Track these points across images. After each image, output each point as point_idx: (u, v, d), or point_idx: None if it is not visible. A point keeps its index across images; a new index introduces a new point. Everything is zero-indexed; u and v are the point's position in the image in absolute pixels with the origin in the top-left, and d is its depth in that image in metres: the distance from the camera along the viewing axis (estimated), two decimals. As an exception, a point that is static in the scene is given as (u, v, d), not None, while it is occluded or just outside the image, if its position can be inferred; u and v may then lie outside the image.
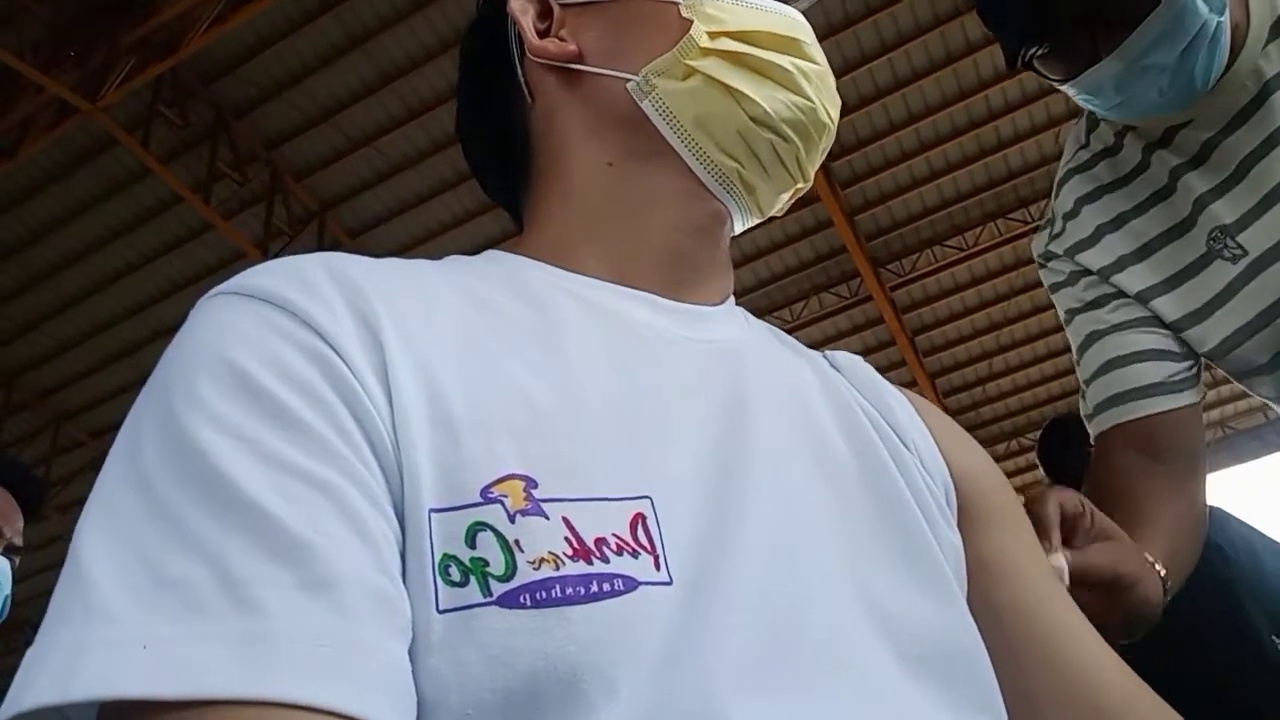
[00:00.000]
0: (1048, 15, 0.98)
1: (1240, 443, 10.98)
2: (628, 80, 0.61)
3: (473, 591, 0.41)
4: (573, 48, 0.64)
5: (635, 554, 0.44)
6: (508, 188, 0.70)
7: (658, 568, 0.45)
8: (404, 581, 0.41)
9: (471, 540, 0.42)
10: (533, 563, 0.42)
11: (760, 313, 0.70)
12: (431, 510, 0.42)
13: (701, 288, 0.63)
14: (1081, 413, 1.19)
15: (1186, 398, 1.10)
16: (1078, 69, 0.99)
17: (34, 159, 6.84)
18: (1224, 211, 1.05)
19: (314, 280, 0.48)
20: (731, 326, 0.64)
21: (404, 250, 7.80)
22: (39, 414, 9.00)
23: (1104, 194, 1.16)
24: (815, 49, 0.64)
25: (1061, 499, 0.85)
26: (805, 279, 8.79)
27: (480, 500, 0.43)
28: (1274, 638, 1.74)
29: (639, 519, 0.46)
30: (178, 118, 6.88)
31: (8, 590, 1.55)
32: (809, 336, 8.80)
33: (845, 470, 0.58)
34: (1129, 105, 1.01)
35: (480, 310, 0.53)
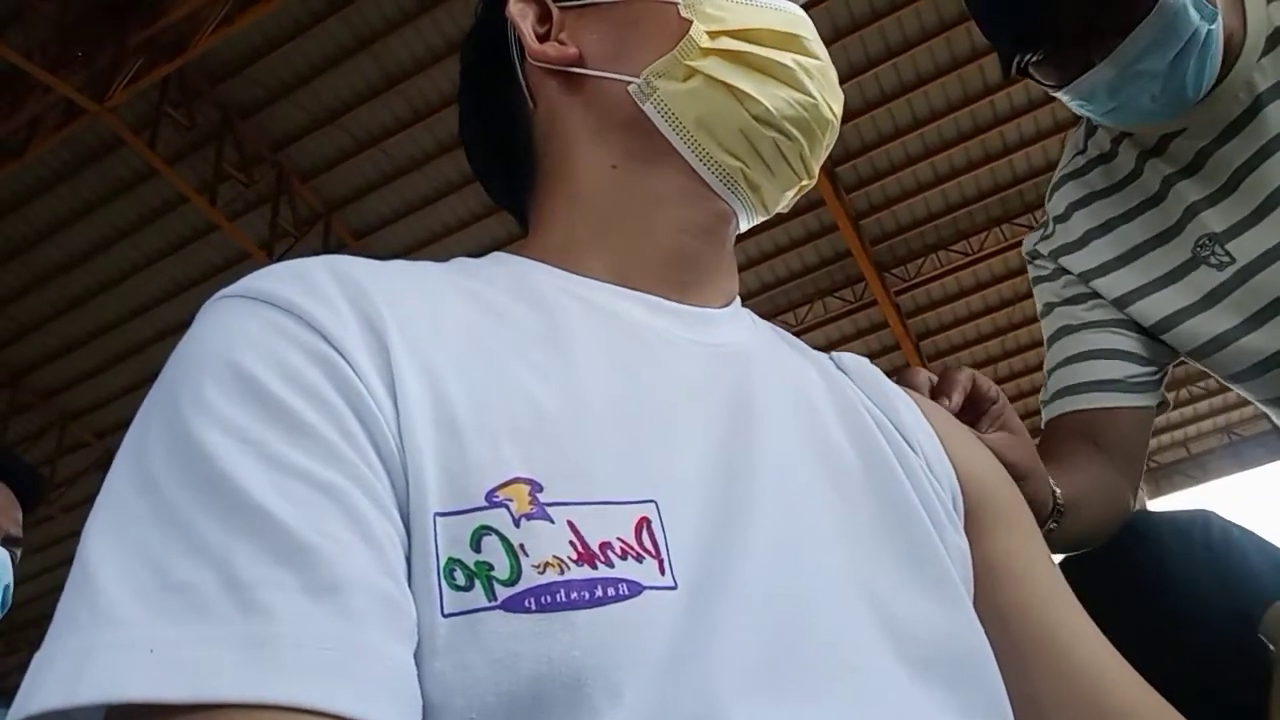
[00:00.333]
0: (1042, 23, 0.99)
1: (1245, 449, 10.95)
2: (629, 83, 0.61)
3: (477, 595, 0.41)
4: (573, 51, 0.63)
5: (640, 558, 0.44)
6: (512, 191, 0.70)
7: (662, 572, 0.45)
8: (409, 585, 0.41)
9: (476, 544, 0.42)
10: (537, 567, 0.42)
11: (764, 317, 0.70)
12: (436, 514, 0.42)
13: (707, 289, 0.63)
14: (1039, 399, 1.22)
15: (1140, 400, 1.14)
16: (1071, 75, 1.01)
17: (41, 159, 6.86)
18: (1214, 220, 1.07)
19: (319, 283, 0.48)
20: (737, 329, 0.64)
21: (409, 252, 7.81)
22: (44, 414, 9.02)
23: (1096, 200, 1.18)
24: (816, 44, 0.64)
25: (979, 379, 0.88)
26: (810, 283, 8.78)
27: (485, 504, 0.43)
28: (1260, 636, 1.75)
29: (644, 523, 0.46)
30: (184, 118, 6.90)
31: (8, 580, 1.56)
32: (813, 340, 8.71)
33: (851, 473, 0.58)
34: (1122, 111, 1.03)
35: (485, 313, 0.53)
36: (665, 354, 0.57)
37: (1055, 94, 1.07)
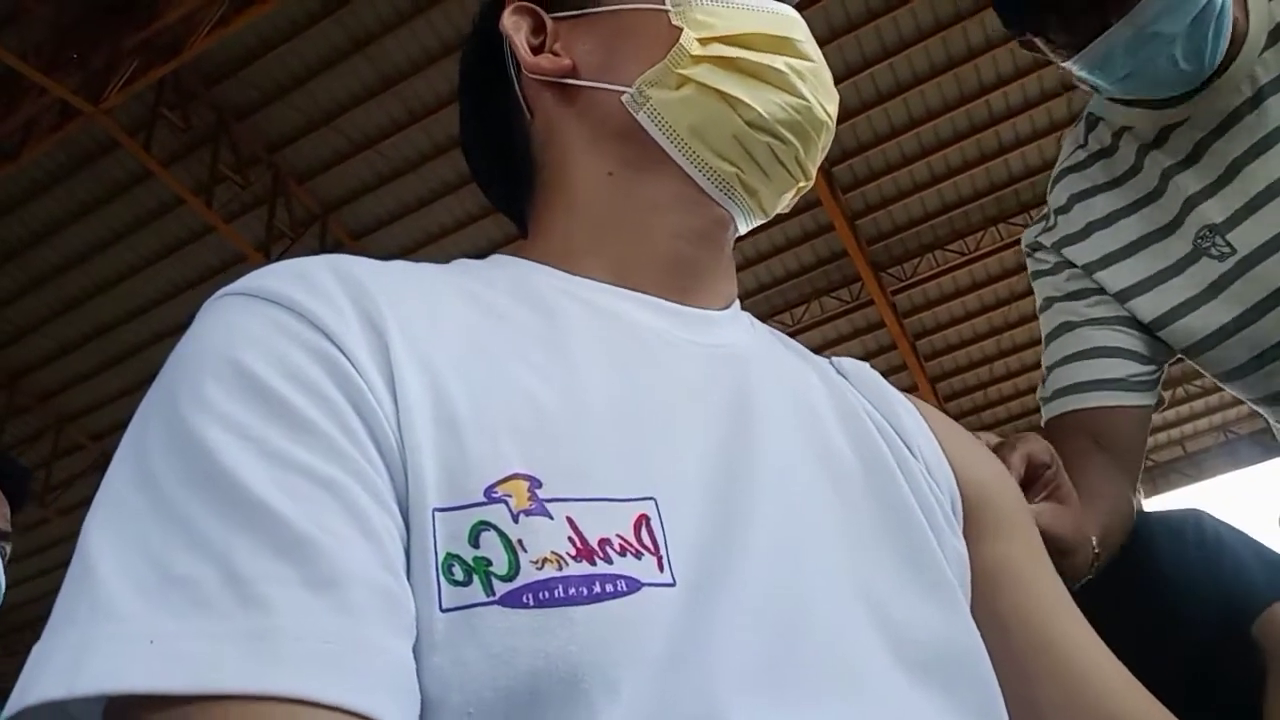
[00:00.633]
0: None
1: (1241, 447, 10.97)
2: (622, 93, 0.62)
3: (475, 591, 0.41)
4: (566, 62, 0.64)
5: (639, 555, 0.44)
6: (511, 197, 0.70)
7: (661, 569, 0.45)
8: (408, 580, 0.42)
9: (475, 539, 0.42)
10: (536, 562, 0.42)
11: (761, 317, 0.70)
12: (435, 509, 0.43)
13: (705, 293, 0.63)
14: (1038, 395, 1.22)
15: (1141, 399, 1.15)
16: (1085, 39, 1.00)
17: (36, 161, 6.85)
18: (1213, 211, 1.08)
19: (320, 281, 0.48)
20: (737, 331, 0.64)
21: (406, 253, 7.81)
22: (40, 416, 9.00)
23: (1098, 193, 1.19)
24: (809, 46, 0.64)
25: (1032, 450, 0.88)
26: (806, 283, 8.79)
27: (484, 500, 0.43)
28: (1252, 635, 1.76)
29: (643, 520, 0.46)
30: (180, 120, 6.89)
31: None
32: (810, 341, 8.79)
33: (850, 476, 0.58)
34: (1136, 79, 1.02)
35: (485, 313, 0.53)
36: (665, 354, 0.57)
37: (1065, 65, 1.06)
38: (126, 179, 7.25)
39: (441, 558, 0.42)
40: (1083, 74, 1.06)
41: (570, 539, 0.43)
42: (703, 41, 0.60)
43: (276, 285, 0.47)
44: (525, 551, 0.42)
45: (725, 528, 0.49)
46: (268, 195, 7.42)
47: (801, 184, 0.66)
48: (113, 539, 0.39)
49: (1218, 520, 1.96)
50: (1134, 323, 1.15)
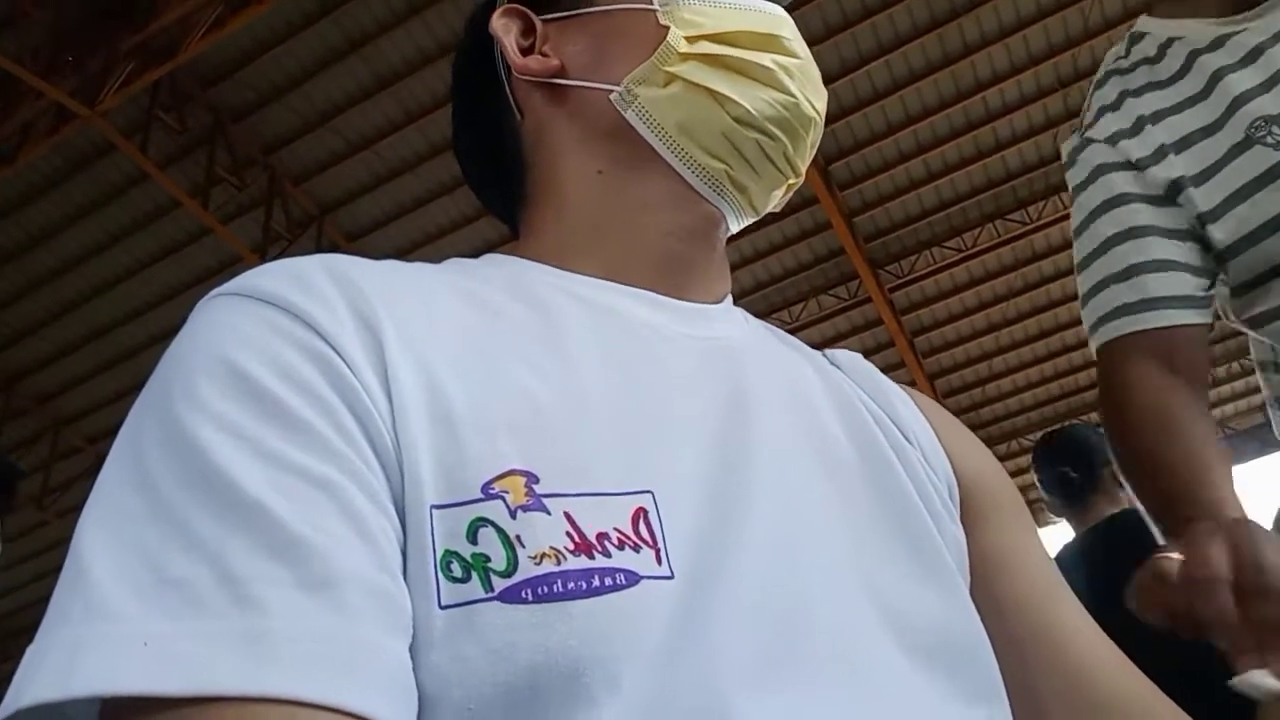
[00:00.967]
0: None
1: (1239, 443, 10.98)
2: (610, 91, 0.62)
3: (474, 587, 0.41)
4: (555, 63, 0.64)
5: (637, 548, 0.44)
6: (504, 199, 0.70)
7: (659, 562, 0.45)
8: (406, 578, 0.41)
9: (473, 536, 0.42)
10: (534, 558, 0.42)
11: (759, 315, 0.70)
12: (433, 506, 0.42)
13: (698, 289, 0.63)
14: (1086, 320, 1.16)
15: (1206, 316, 1.10)
16: None
17: (33, 164, 6.85)
18: (1267, 103, 1.07)
19: (314, 281, 0.48)
20: (731, 324, 0.64)
21: (402, 254, 7.81)
22: (38, 419, 9.00)
23: (1145, 92, 1.18)
24: (797, 43, 0.64)
25: (1212, 556, 0.60)
26: (804, 281, 8.80)
27: (481, 496, 0.43)
28: None
29: (640, 513, 0.46)
30: (176, 122, 6.90)
31: None
32: (808, 338, 8.69)
33: (848, 464, 0.58)
34: None
35: (480, 311, 0.53)
36: (660, 348, 0.57)
37: None
38: (123, 181, 7.25)
39: (439, 555, 0.41)
40: None
41: (568, 534, 0.43)
42: (690, 39, 0.61)
43: (270, 285, 0.47)
44: (523, 547, 0.42)
45: (723, 519, 0.49)
46: (264, 197, 7.42)
47: (792, 181, 0.66)
48: (107, 539, 0.39)
49: None
50: (1189, 233, 1.10)
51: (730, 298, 0.67)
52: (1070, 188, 1.22)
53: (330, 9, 6.47)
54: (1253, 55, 1.10)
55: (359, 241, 7.88)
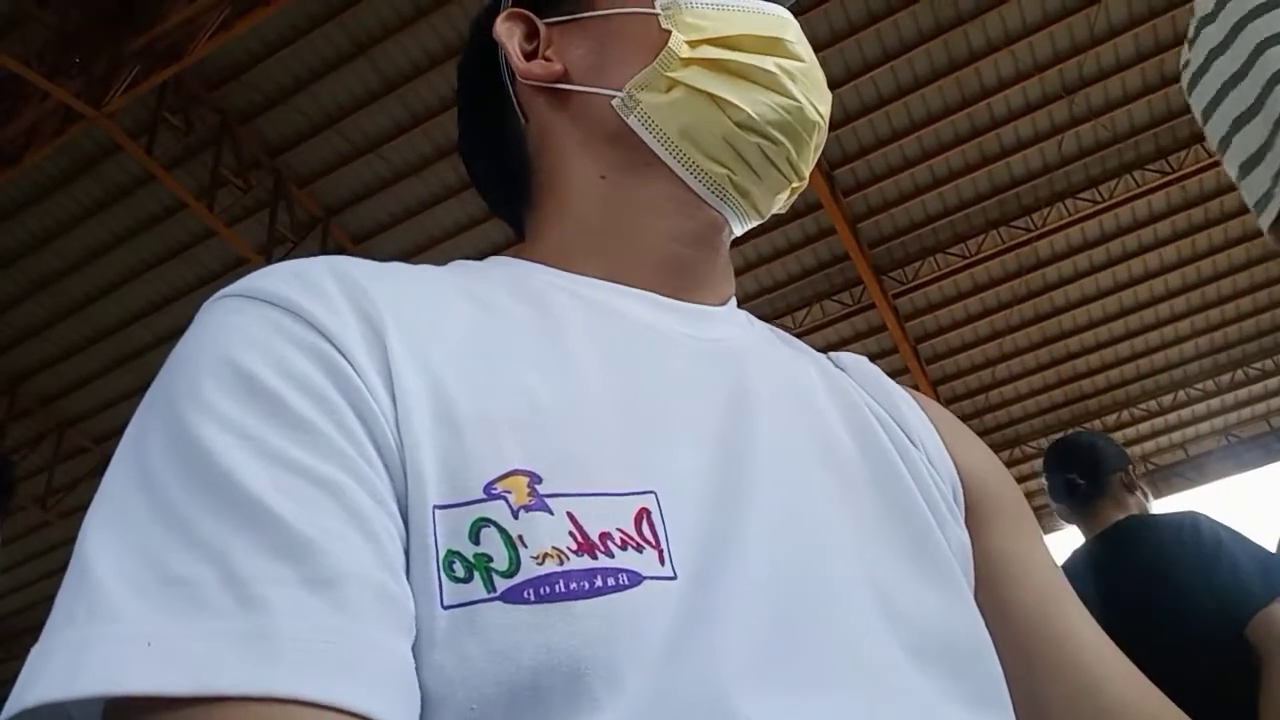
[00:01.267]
0: None
1: (1243, 450, 10.96)
2: (612, 97, 0.62)
3: (476, 587, 0.41)
4: (558, 68, 0.64)
5: (640, 548, 0.44)
6: (509, 202, 0.71)
7: (662, 562, 0.45)
8: (408, 578, 0.42)
9: (475, 536, 0.42)
10: (536, 558, 0.42)
11: (763, 320, 0.70)
12: (435, 507, 0.43)
13: (702, 292, 0.63)
14: (1250, 200, 1.11)
15: None
16: None
17: (39, 165, 6.87)
18: None
19: (318, 282, 0.48)
20: (734, 326, 0.64)
21: (408, 257, 7.79)
22: (42, 420, 9.01)
23: None
24: (800, 46, 0.63)
25: None
26: (808, 286, 8.80)
27: (484, 496, 0.43)
28: (1245, 636, 1.78)
29: (643, 514, 0.46)
30: (182, 124, 6.91)
31: None
32: (811, 344, 8.55)
33: (851, 466, 0.58)
34: None
35: (483, 312, 0.53)
36: (663, 349, 0.57)
37: None
38: (128, 183, 7.26)
39: (442, 555, 0.42)
40: None
41: (571, 533, 0.43)
42: (691, 44, 0.60)
43: (274, 286, 0.47)
44: (526, 547, 0.42)
45: (726, 520, 0.49)
46: (269, 199, 7.43)
47: (795, 184, 0.65)
48: (111, 540, 0.39)
49: (1216, 523, 1.99)
50: None
51: (734, 300, 0.67)
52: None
53: (336, 12, 6.49)
54: None
55: (364, 244, 7.88)
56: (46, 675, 0.36)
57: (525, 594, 0.41)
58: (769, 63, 0.61)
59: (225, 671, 0.35)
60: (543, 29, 0.66)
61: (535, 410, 0.48)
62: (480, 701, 0.39)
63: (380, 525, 0.41)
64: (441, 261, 0.61)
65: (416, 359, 0.47)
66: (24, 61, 5.98)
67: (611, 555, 0.43)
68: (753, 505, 0.50)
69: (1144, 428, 10.58)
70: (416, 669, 0.40)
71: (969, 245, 8.44)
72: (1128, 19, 7.04)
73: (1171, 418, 10.44)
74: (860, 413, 0.63)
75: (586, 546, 0.43)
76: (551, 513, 0.44)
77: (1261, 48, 1.09)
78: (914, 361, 9.28)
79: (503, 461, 0.45)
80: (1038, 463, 11.03)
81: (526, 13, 0.67)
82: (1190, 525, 1.98)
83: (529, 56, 0.66)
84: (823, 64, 0.66)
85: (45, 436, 9.07)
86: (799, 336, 0.70)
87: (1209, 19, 1.17)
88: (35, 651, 0.37)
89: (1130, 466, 2.23)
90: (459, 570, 0.41)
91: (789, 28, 0.64)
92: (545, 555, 0.42)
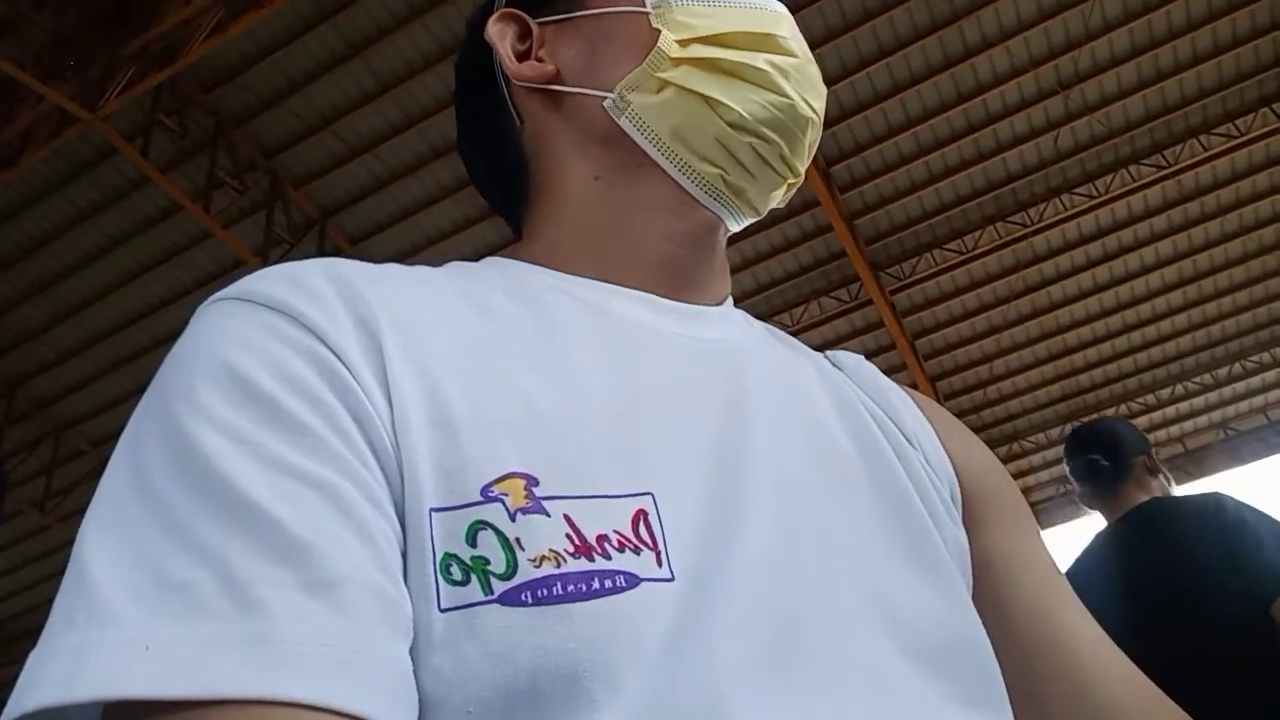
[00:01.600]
0: None
1: (1242, 443, 10.97)
2: (603, 98, 0.61)
3: (474, 590, 0.41)
4: (550, 68, 0.64)
5: (637, 550, 0.44)
6: (507, 202, 0.71)
7: (660, 564, 0.45)
8: (406, 581, 0.42)
9: (472, 539, 0.42)
10: (534, 560, 0.42)
11: (760, 317, 0.70)
12: (432, 509, 0.43)
13: (698, 292, 0.63)
14: None
15: None
16: None
17: (34, 169, 6.86)
18: None
19: (314, 285, 0.48)
20: (731, 326, 0.64)
21: (404, 257, 7.81)
22: (40, 423, 9.00)
23: None
24: (794, 41, 0.62)
25: None
26: (805, 283, 8.80)
27: (481, 499, 0.43)
28: (1271, 614, 1.78)
29: (640, 515, 0.46)
30: (177, 126, 6.90)
31: None
32: (809, 341, 8.65)
33: (849, 466, 0.58)
34: None
35: (480, 313, 0.53)
36: (660, 349, 0.57)
37: None
38: (124, 185, 7.25)
39: (439, 558, 0.42)
40: None
41: (568, 536, 0.43)
42: (682, 43, 0.60)
43: (270, 289, 0.47)
44: (523, 549, 0.42)
45: (723, 521, 0.49)
46: (266, 200, 7.42)
47: (791, 181, 0.65)
48: (108, 544, 0.39)
49: (1240, 503, 1.99)
50: None
51: (731, 299, 0.67)
52: None
53: (331, 13, 6.48)
54: None
55: (360, 245, 7.88)
56: (46, 680, 0.36)
57: (523, 596, 0.41)
58: (760, 60, 0.60)
59: (223, 674, 0.35)
60: (535, 28, 0.66)
61: (532, 413, 0.48)
62: (478, 704, 0.39)
63: (377, 528, 0.41)
64: (438, 261, 0.61)
65: (412, 362, 0.47)
66: (19, 64, 5.97)
67: (609, 557, 0.43)
68: (751, 507, 0.50)
69: (1141, 422, 10.58)
70: (414, 672, 0.40)
71: (965, 241, 8.44)
72: (1122, 14, 7.04)
73: (1169, 411, 10.44)
74: (856, 412, 0.63)
75: (584, 549, 0.43)
76: (549, 515, 0.44)
77: None
78: (911, 357, 9.28)
79: (499, 464, 0.44)
80: (1036, 458, 11.07)
81: (519, 13, 0.67)
82: (1214, 505, 1.98)
83: (522, 57, 0.66)
84: (818, 61, 0.65)
85: (43, 440, 9.05)
86: (796, 333, 0.70)
87: None
88: (34, 656, 0.37)
89: (1153, 451, 2.23)
90: (456, 573, 0.41)
91: (782, 23, 0.63)
92: (543, 558, 0.42)
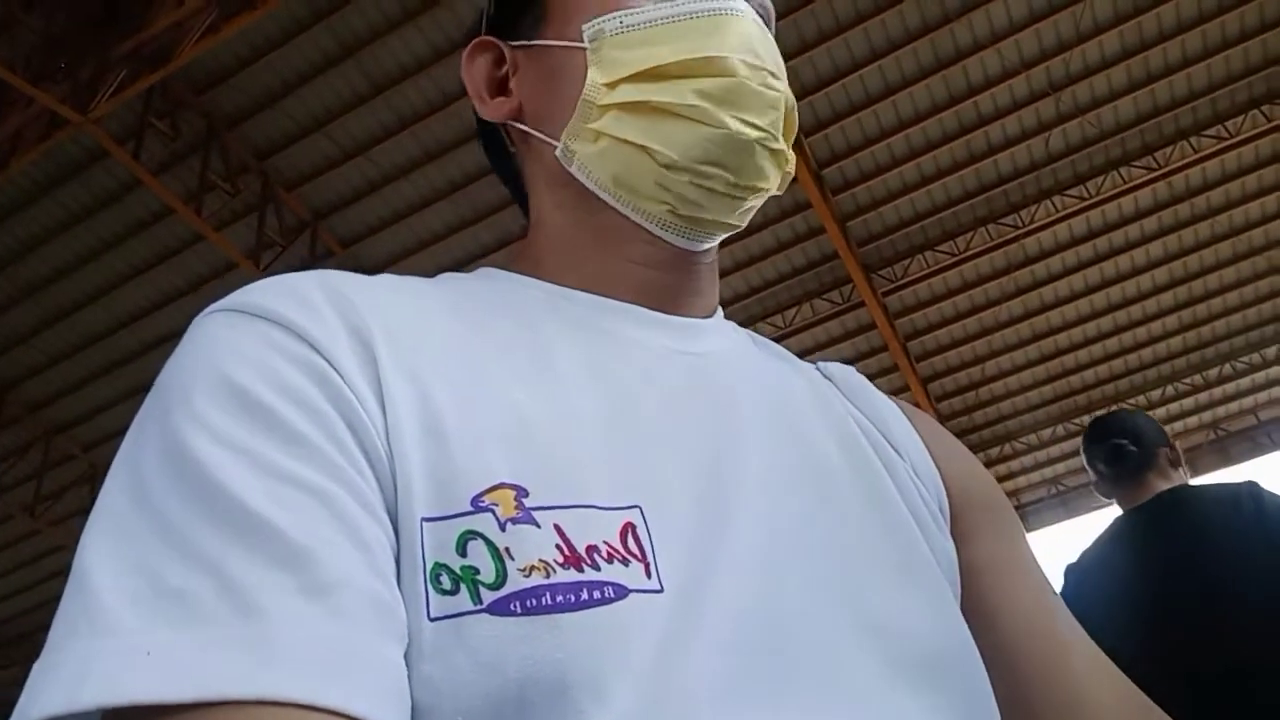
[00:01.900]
0: None
1: (1232, 444, 11.02)
2: (554, 147, 0.62)
3: (463, 599, 0.41)
4: (515, 103, 0.65)
5: (626, 562, 0.45)
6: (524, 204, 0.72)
7: (649, 576, 0.45)
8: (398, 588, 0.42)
9: (462, 548, 0.43)
10: (523, 570, 0.42)
11: (752, 319, 0.70)
12: (423, 519, 0.43)
13: (685, 305, 0.63)
14: None
15: None
16: None
17: (25, 171, 6.83)
18: None
19: (309, 296, 0.49)
20: (720, 338, 0.64)
21: (397, 260, 7.81)
22: (30, 427, 8.96)
23: None
24: (734, 56, 0.59)
25: None
26: (797, 285, 8.81)
27: (471, 509, 0.44)
28: None
29: (629, 528, 0.46)
30: (169, 129, 6.88)
31: None
32: (801, 342, 8.80)
33: (836, 478, 0.58)
34: None
35: (470, 325, 0.54)
36: (649, 363, 0.57)
37: None
38: (116, 188, 7.23)
39: (429, 567, 0.42)
40: None
41: (558, 546, 0.44)
42: (610, 85, 0.59)
43: (264, 300, 0.48)
44: (513, 559, 0.42)
45: (712, 534, 0.49)
46: (258, 203, 7.41)
47: (750, 201, 0.62)
48: (108, 552, 0.40)
49: (1272, 493, 2.00)
50: None
51: (721, 311, 0.68)
52: None
53: (324, 15, 6.47)
54: None
55: (352, 248, 7.87)
56: (50, 689, 0.37)
57: (512, 606, 0.41)
58: (690, 94, 0.58)
59: (221, 675, 0.36)
60: (508, 53, 0.66)
61: (522, 424, 0.48)
62: (466, 713, 0.40)
63: (372, 535, 0.42)
64: (430, 264, 0.62)
65: (405, 371, 0.47)
66: (9, 67, 5.95)
67: (598, 568, 0.44)
68: (739, 519, 0.50)
69: (1133, 423, 10.60)
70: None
71: (957, 243, 8.47)
72: (1113, 16, 7.07)
73: (1160, 412, 10.48)
74: (845, 423, 0.63)
75: (573, 559, 0.43)
76: (538, 525, 0.44)
77: None
78: (904, 359, 9.30)
79: (490, 475, 0.45)
80: (1027, 459, 11.07)
81: (492, 40, 0.67)
82: (1248, 493, 1.98)
83: (500, 83, 0.66)
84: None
85: (33, 444, 9.01)
86: (789, 335, 0.70)
87: None
88: (38, 666, 0.38)
89: (1173, 443, 2.23)
90: (446, 582, 0.42)
91: (723, 31, 0.59)
92: (532, 568, 0.42)
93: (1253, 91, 7.67)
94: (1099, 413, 2.80)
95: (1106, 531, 2.15)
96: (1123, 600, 1.94)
